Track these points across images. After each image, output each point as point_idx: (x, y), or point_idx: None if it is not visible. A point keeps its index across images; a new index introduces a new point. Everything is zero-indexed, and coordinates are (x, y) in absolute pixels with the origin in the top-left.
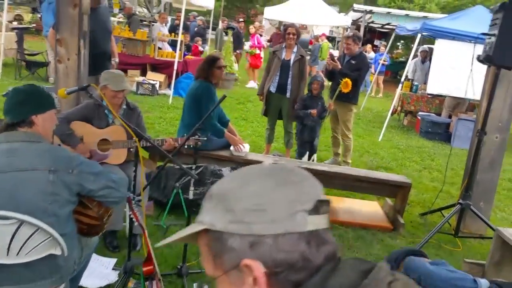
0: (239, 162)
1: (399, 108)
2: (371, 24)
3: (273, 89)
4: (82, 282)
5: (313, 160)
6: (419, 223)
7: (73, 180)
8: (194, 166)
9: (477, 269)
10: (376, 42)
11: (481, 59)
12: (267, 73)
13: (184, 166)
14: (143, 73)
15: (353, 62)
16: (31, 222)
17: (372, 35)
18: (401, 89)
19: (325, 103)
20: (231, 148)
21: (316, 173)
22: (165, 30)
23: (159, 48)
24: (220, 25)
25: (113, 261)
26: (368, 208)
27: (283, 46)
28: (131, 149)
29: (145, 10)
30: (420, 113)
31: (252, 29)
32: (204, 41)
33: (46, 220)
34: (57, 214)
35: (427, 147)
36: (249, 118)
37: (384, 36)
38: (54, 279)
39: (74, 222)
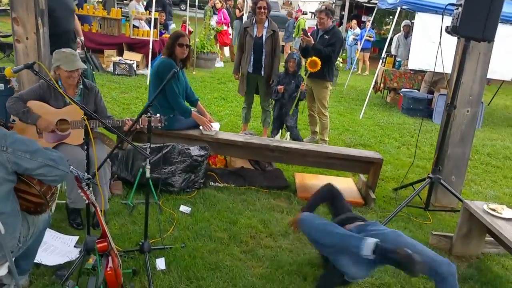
0: (208, 141)
1: (382, 85)
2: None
3: (250, 69)
4: (42, 260)
5: (286, 139)
6: (392, 198)
7: (7, 158)
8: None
9: (444, 242)
10: (364, 18)
11: (448, 31)
12: (241, 51)
13: (153, 145)
14: (120, 53)
15: (326, 37)
16: None
17: (359, 10)
18: (384, 66)
19: (301, 82)
20: (200, 127)
21: (289, 151)
22: (141, 8)
23: (136, 27)
24: (209, 4)
25: (75, 238)
26: (341, 185)
27: (254, 21)
28: (93, 129)
29: None
30: (402, 89)
31: (218, 4)
32: (169, 17)
33: None
34: None
35: (408, 124)
36: (229, 98)
37: (372, 11)
38: None
39: (15, 201)
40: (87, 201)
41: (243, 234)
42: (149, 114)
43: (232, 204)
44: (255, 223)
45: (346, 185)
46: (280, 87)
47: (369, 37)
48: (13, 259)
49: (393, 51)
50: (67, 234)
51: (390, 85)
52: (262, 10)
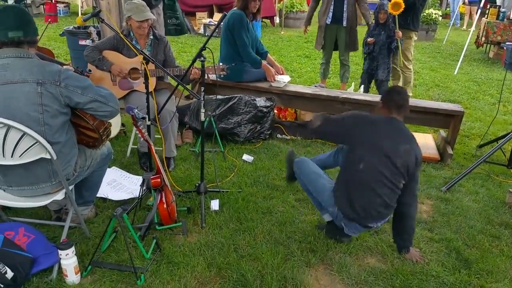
0: (277, 93)
1: (483, 39)
2: None
3: (328, 21)
4: (109, 195)
5: (364, 91)
6: (473, 155)
7: (60, 92)
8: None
9: None
10: None
11: None
12: (315, 2)
13: (220, 97)
14: (210, 15)
15: None
16: (15, 127)
17: None
18: (486, 18)
19: (393, 33)
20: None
21: (357, 103)
22: None
23: None
24: None
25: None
26: (418, 141)
27: None
28: (161, 78)
29: None
30: (506, 43)
31: None
32: None
33: (37, 128)
34: (49, 124)
35: (510, 80)
36: (312, 56)
37: None
38: (54, 183)
39: (71, 133)
40: (142, 139)
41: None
42: (202, 58)
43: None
44: None
45: (423, 140)
46: (371, 39)
47: None
48: (73, 187)
49: (498, 1)
50: (137, 175)
51: (493, 38)
52: None
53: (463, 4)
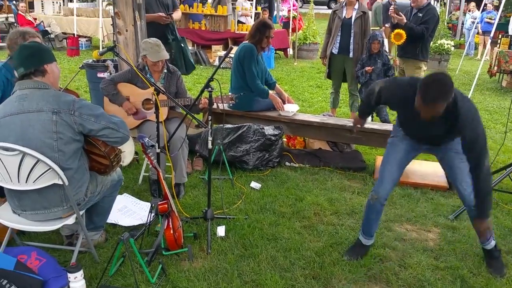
0: (285, 122)
1: (495, 69)
2: None
3: (335, 50)
4: (119, 221)
5: (371, 120)
6: None
7: (74, 120)
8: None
9: None
10: (487, 1)
11: None
12: (329, 35)
13: (230, 126)
14: (226, 48)
15: (420, 14)
16: (30, 154)
17: None
18: (499, 47)
19: (388, 60)
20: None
21: (365, 132)
22: (247, 4)
23: (242, 23)
24: None
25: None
26: (426, 168)
27: (344, 4)
28: (173, 108)
29: None
30: None
31: None
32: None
33: (51, 155)
34: (62, 150)
35: None
36: (324, 86)
37: None
38: (65, 207)
39: (83, 159)
40: (151, 166)
41: (307, 210)
42: (210, 89)
43: (302, 183)
44: (322, 201)
45: (432, 169)
46: (369, 68)
47: (490, 19)
48: (84, 212)
49: (510, 31)
50: (148, 202)
51: (505, 67)
52: None
53: (477, 34)
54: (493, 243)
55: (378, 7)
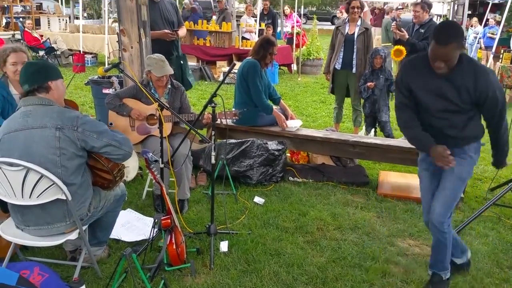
0: (289, 137)
1: None
2: None
3: (338, 66)
4: (122, 236)
5: (374, 134)
6: (484, 198)
7: (77, 136)
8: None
9: None
10: (490, 16)
11: None
12: (332, 50)
13: (233, 140)
14: (230, 63)
15: (421, 31)
16: (34, 169)
17: (485, 7)
18: (501, 62)
19: (390, 75)
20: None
21: (368, 147)
22: (251, 21)
23: (247, 39)
24: (338, 13)
25: None
26: None
27: (346, 20)
28: (177, 123)
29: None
30: None
31: (287, 10)
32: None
33: (54, 170)
34: (65, 166)
35: None
36: (327, 101)
37: (499, 8)
38: (68, 222)
39: (87, 175)
40: (154, 181)
41: (310, 225)
42: (213, 104)
43: (305, 198)
44: (325, 216)
45: None
46: (371, 84)
47: (492, 34)
48: (87, 228)
49: None
50: (151, 217)
51: (508, 82)
52: (356, 10)
53: (480, 49)
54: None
55: (388, 23)
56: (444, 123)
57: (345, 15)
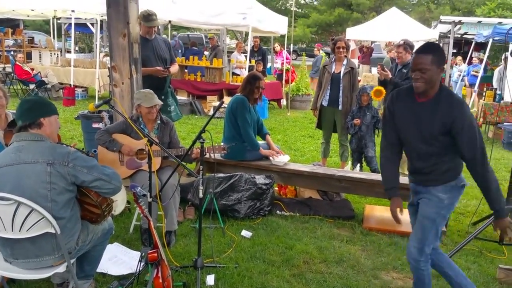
0: (277, 171)
1: (481, 120)
2: (465, 36)
3: (325, 103)
4: (109, 270)
5: (360, 169)
6: (467, 232)
7: (68, 172)
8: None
9: None
10: (475, 54)
11: None
12: (319, 88)
13: (222, 175)
14: (220, 99)
15: (404, 71)
16: (25, 203)
17: (469, 46)
18: (484, 99)
19: (377, 113)
20: (270, 157)
21: (353, 181)
22: (241, 57)
23: (237, 75)
24: (315, 51)
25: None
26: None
27: (333, 59)
28: (166, 158)
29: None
30: (504, 123)
31: (277, 47)
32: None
33: (45, 204)
34: (55, 200)
35: (507, 159)
36: (316, 136)
37: (483, 47)
38: (57, 256)
39: (76, 209)
40: (142, 215)
41: (296, 258)
42: (201, 140)
43: (292, 231)
44: (311, 249)
45: None
46: (357, 121)
47: (476, 72)
48: (74, 261)
49: (494, 84)
50: (138, 251)
51: (490, 119)
52: (341, 50)
53: (464, 86)
54: None
55: (386, 61)
56: (414, 154)
57: (321, 52)
